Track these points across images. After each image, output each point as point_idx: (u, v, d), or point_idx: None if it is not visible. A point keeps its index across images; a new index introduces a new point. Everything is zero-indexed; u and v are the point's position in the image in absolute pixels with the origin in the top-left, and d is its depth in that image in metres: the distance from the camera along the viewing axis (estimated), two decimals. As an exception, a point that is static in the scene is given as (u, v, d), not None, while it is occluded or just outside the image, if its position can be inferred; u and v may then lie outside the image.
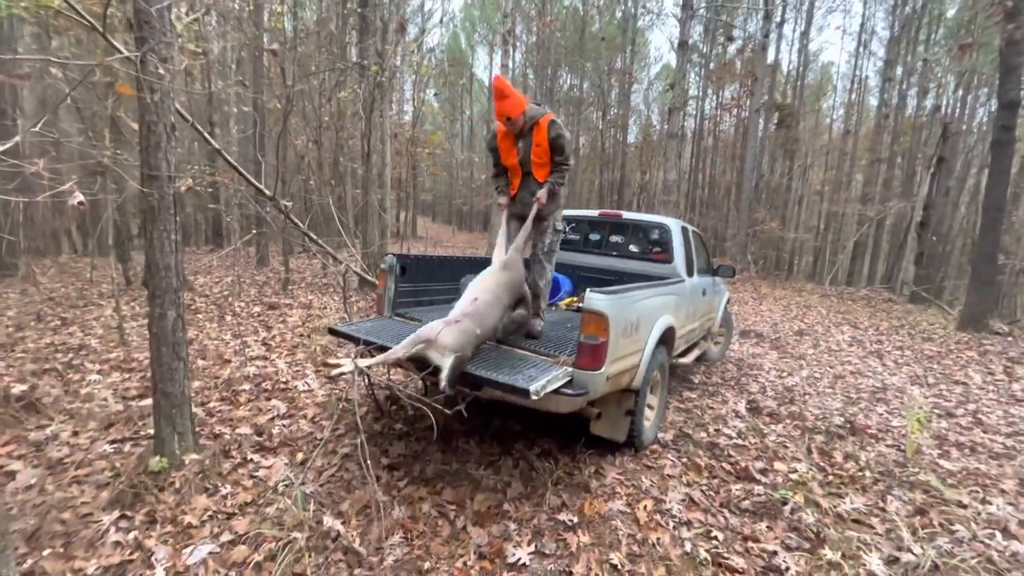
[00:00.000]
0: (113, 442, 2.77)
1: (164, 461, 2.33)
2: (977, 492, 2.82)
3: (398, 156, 13.51)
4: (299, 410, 3.30)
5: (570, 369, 2.33)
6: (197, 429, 2.88)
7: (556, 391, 2.21)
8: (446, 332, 2.27)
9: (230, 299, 7.18)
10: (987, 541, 2.32)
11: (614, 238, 4.41)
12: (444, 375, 2.11)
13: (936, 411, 4.41)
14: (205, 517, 2.14)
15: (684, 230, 4.24)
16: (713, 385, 4.74)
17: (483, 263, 4.05)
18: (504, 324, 2.67)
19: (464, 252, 13.14)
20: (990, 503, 2.69)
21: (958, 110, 19.64)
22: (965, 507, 2.64)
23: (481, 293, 2.58)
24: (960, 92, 19.52)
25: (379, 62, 6.77)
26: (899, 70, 20.21)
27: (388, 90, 7.55)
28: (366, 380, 3.08)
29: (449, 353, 2.18)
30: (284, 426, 3.06)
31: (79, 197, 1.58)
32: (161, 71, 2.08)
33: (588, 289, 2.30)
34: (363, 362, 2.25)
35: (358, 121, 8.07)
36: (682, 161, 23.62)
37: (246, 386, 3.64)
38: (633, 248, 4.28)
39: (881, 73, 21.19)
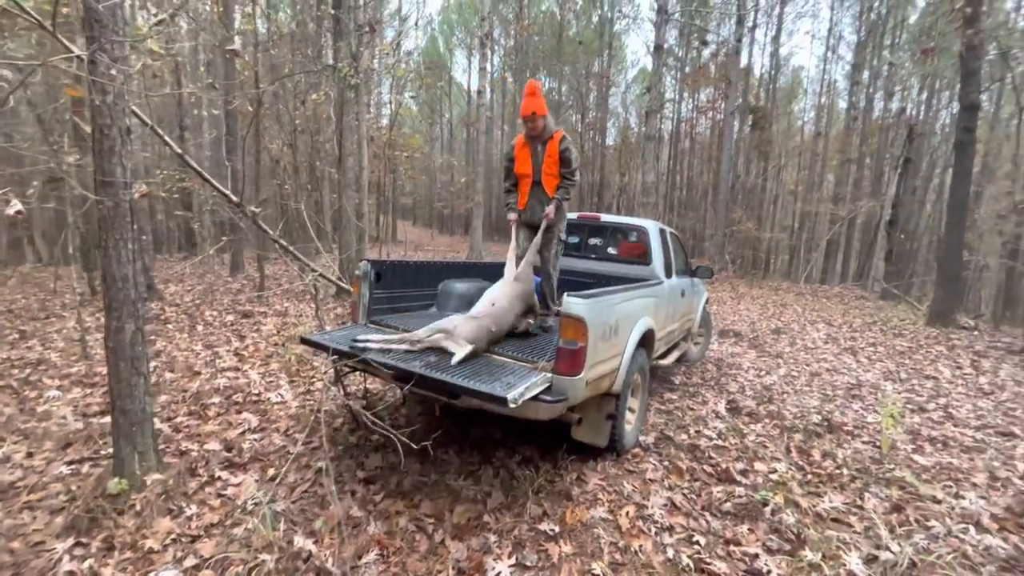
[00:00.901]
0: (71, 463, 2.62)
1: (124, 482, 2.21)
2: (950, 487, 2.87)
3: (376, 160, 13.36)
4: (271, 423, 3.19)
5: (549, 375, 2.29)
6: (162, 446, 2.75)
7: (535, 398, 2.17)
8: (464, 324, 2.60)
9: (202, 308, 6.96)
10: (961, 536, 2.36)
11: (593, 241, 4.40)
12: (457, 358, 2.37)
13: (909, 406, 4.51)
14: (168, 541, 2.03)
15: (662, 232, 4.25)
16: (693, 386, 4.76)
17: (462, 268, 4.00)
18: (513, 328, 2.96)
19: (443, 257, 13.03)
20: (963, 497, 2.73)
21: (923, 112, 20.34)
22: (940, 502, 2.68)
23: (498, 299, 2.92)
24: (924, 95, 20.22)
25: (353, 64, 6.66)
26: (866, 74, 20.85)
27: (363, 92, 7.44)
28: (341, 391, 2.98)
29: (465, 343, 2.47)
30: (255, 440, 2.95)
31: (17, 206, 1.48)
32: (113, 72, 1.97)
33: (566, 294, 2.26)
34: (376, 337, 2.57)
35: (334, 124, 7.93)
36: (660, 163, 23.97)
37: (216, 399, 3.50)
38: (612, 251, 4.27)
39: (849, 77, 21.84)
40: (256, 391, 3.71)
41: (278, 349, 4.89)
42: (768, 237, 20.79)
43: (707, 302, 5.77)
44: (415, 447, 2.35)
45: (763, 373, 5.45)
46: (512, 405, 1.97)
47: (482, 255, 16.64)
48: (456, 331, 2.54)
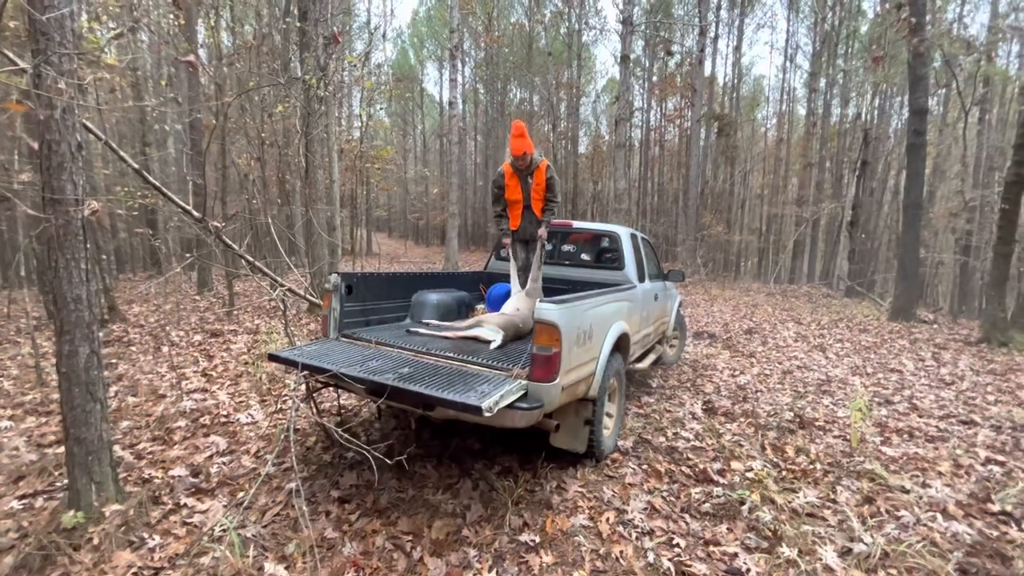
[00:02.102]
0: (23, 497, 2.47)
1: (80, 515, 2.09)
2: (918, 476, 2.96)
3: (348, 172, 13.21)
4: (241, 445, 3.07)
5: (524, 382, 2.27)
6: (124, 475, 2.63)
7: (511, 406, 2.15)
8: (494, 316, 3.25)
9: (167, 328, 6.71)
10: (930, 524, 2.43)
11: (565, 247, 4.43)
12: (495, 343, 2.91)
13: (876, 399, 4.65)
14: (128, 575, 1.92)
15: (633, 237, 4.31)
16: (670, 388, 4.82)
17: (435, 279, 3.97)
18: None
19: (417, 268, 12.91)
20: (930, 486, 2.82)
21: (876, 117, 21.30)
22: (908, 492, 2.75)
23: (522, 307, 3.50)
24: (877, 101, 21.20)
25: (320, 76, 6.59)
26: (823, 82, 21.75)
27: (331, 104, 7.36)
28: (313, 408, 2.90)
29: (497, 328, 3.04)
30: (223, 464, 2.84)
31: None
32: (61, 85, 1.89)
33: (538, 300, 2.26)
34: (424, 330, 3.19)
35: (303, 137, 7.82)
36: (631, 170, 24.41)
37: (182, 423, 3.36)
38: (585, 257, 4.30)
39: (807, 84, 22.76)
40: (225, 412, 3.58)
41: (248, 368, 4.74)
42: (737, 240, 21.34)
43: (680, 305, 5.87)
44: (390, 463, 2.30)
45: (737, 373, 5.55)
46: (487, 414, 1.94)
47: (458, 265, 16.58)
48: (490, 319, 3.14)
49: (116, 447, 2.95)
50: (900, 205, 24.18)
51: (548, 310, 2.23)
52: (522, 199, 3.77)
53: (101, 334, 6.43)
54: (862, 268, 17.57)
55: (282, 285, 3.38)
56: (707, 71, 20.23)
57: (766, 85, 29.09)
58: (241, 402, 3.84)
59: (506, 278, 4.30)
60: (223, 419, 3.47)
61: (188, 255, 5.60)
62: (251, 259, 3.45)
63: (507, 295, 4.23)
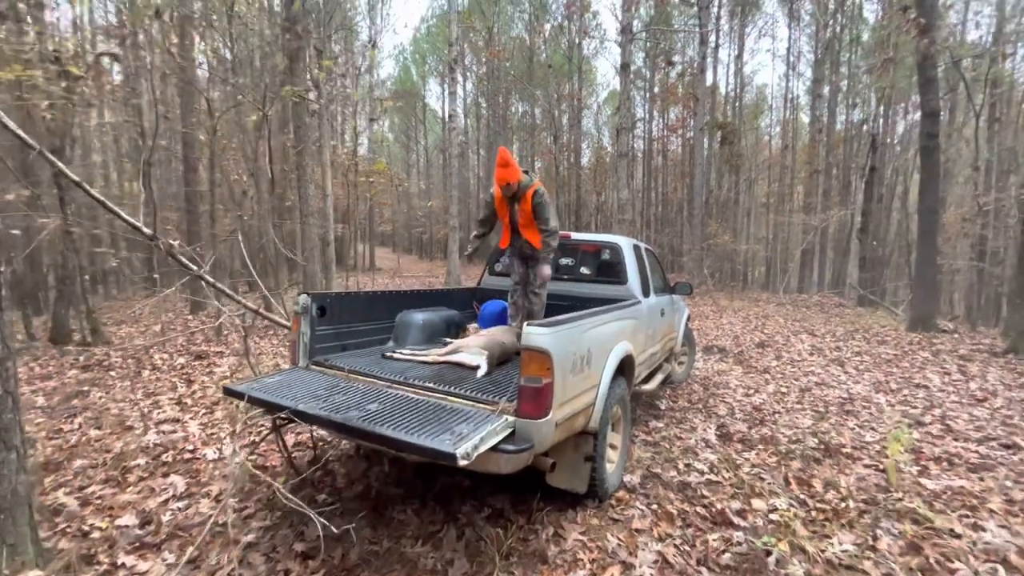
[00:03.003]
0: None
1: (-11, 585, 1.78)
2: (967, 516, 2.59)
3: (344, 186, 13.04)
4: (202, 487, 2.76)
5: (511, 419, 1.96)
6: (64, 525, 2.32)
7: (496, 447, 1.83)
8: (474, 338, 2.97)
9: (152, 350, 6.45)
10: (991, 579, 2.07)
11: (564, 261, 4.13)
12: (482, 370, 2.63)
13: (906, 420, 4.28)
14: (36, 662, 1.61)
15: (636, 248, 4.01)
16: (680, 410, 4.46)
17: (422, 297, 3.67)
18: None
19: (406, 285, 12.64)
20: (983, 528, 2.45)
21: (882, 123, 20.99)
22: (959, 537, 2.39)
23: (497, 331, 3.19)
24: (882, 107, 20.89)
25: (311, 89, 6.41)
26: (826, 88, 21.53)
27: (323, 116, 7.18)
28: (280, 443, 2.60)
29: (480, 351, 2.75)
30: (179, 510, 2.52)
31: None
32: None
33: (525, 323, 1.95)
34: (405, 352, 2.93)
35: (296, 154, 7.63)
36: (634, 181, 24.21)
37: (141, 460, 3.06)
38: (585, 271, 4.00)
39: (810, 91, 22.54)
40: (191, 447, 3.27)
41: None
42: (744, 249, 20.97)
43: (688, 319, 5.53)
44: (336, 533, 1.97)
45: (752, 392, 5.19)
46: (463, 462, 1.63)
47: (460, 279, 16.32)
48: (468, 344, 2.83)
49: (60, 492, 2.65)
50: (908, 211, 23.74)
51: (537, 334, 1.92)
52: (510, 223, 3.60)
53: (81, 358, 6.21)
54: (873, 276, 17.13)
55: (250, 308, 3.10)
56: (708, 81, 20.08)
57: (768, 94, 28.94)
58: (212, 434, 3.53)
59: (501, 295, 4.00)
60: (188, 455, 3.16)
61: (154, 274, 5.33)
62: (211, 280, 3.18)
63: (502, 313, 3.93)
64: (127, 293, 14.65)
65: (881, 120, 20.97)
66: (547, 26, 26.05)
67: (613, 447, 2.86)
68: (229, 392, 2.22)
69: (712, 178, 21.20)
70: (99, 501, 2.61)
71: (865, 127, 19.32)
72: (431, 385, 2.26)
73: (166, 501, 2.62)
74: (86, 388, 4.70)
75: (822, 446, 3.51)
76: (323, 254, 7.51)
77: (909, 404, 4.82)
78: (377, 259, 26.67)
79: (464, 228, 26.19)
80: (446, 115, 21.72)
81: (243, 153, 9.78)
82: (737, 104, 24.22)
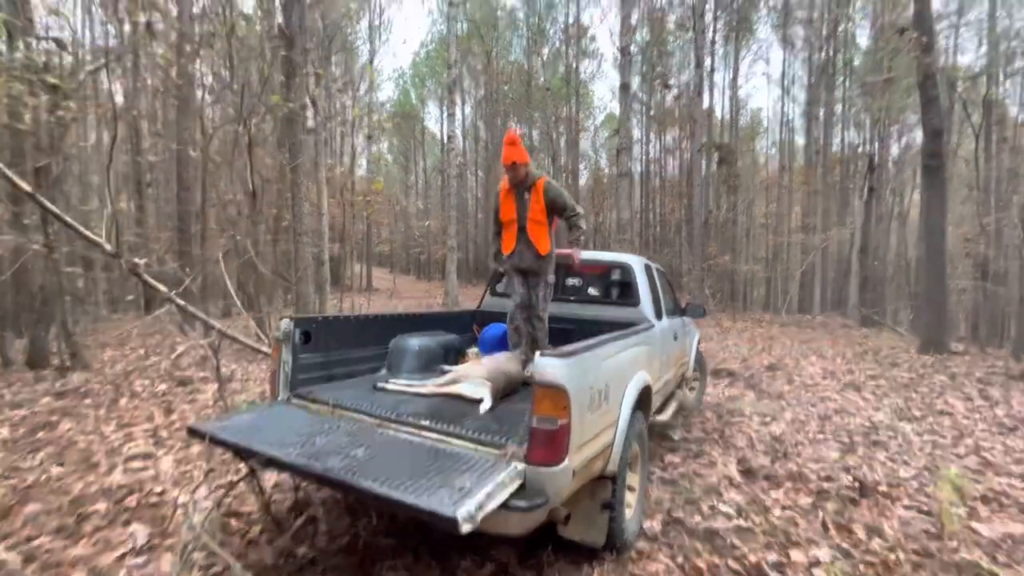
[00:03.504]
0: None
1: None
2: (1036, 570, 2.28)
3: (339, 205, 12.87)
4: (165, 538, 2.43)
5: (521, 466, 1.67)
6: (-1, 588, 1.99)
7: (504, 504, 1.54)
8: (476, 367, 2.63)
9: (133, 375, 6.11)
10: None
11: (570, 281, 3.88)
12: (485, 405, 2.32)
13: (937, 452, 3.98)
14: None
15: (647, 268, 3.77)
16: (696, 441, 4.16)
17: (419, 320, 3.40)
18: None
19: (396, 308, 12.34)
20: (1059, 586, 2.15)
21: (877, 144, 21.13)
22: (1034, 597, 2.08)
23: (500, 359, 2.87)
24: (878, 129, 21.05)
25: (307, 106, 6.25)
26: (821, 111, 21.73)
27: (319, 134, 7.01)
28: (256, 487, 2.29)
29: (483, 381, 2.43)
30: (136, 567, 2.20)
31: None
32: None
33: (538, 353, 1.68)
34: (400, 382, 2.63)
35: (292, 173, 7.44)
36: (633, 202, 24.19)
37: (102, 505, 2.73)
38: (593, 292, 3.75)
39: (805, 114, 22.77)
40: (161, 488, 2.95)
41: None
42: (745, 269, 20.82)
43: (699, 342, 5.27)
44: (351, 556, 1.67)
45: (768, 419, 4.89)
46: (466, 527, 1.34)
47: (458, 300, 16.06)
48: (469, 373, 2.53)
49: (3, 546, 2.32)
50: (906, 231, 23.69)
51: (551, 367, 1.64)
52: (516, 219, 3.22)
53: (57, 384, 5.87)
54: (875, 296, 16.95)
55: (228, 334, 2.82)
56: (704, 104, 20.24)
57: (764, 116, 29.29)
58: (186, 473, 3.20)
59: (503, 317, 3.73)
60: (155, 498, 2.84)
61: (129, 297, 5.06)
62: (181, 302, 2.92)
63: (504, 337, 3.65)
64: (119, 313, 14.30)
65: (877, 142, 21.15)
66: (545, 50, 26.44)
67: (631, 489, 2.55)
68: (193, 432, 1.93)
69: (711, 198, 21.18)
70: (47, 556, 2.28)
71: (861, 148, 19.40)
72: (427, 423, 1.97)
73: (123, 556, 2.29)
74: (55, 418, 4.37)
75: (856, 484, 3.20)
76: (317, 274, 7.24)
77: (937, 433, 4.53)
78: (374, 279, 26.41)
79: (462, 249, 26.09)
80: (445, 137, 21.83)
81: (237, 172, 9.61)
82: (732, 127, 24.41)
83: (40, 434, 3.98)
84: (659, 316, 3.58)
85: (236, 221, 9.73)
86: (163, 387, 5.56)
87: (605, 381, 2.02)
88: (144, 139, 12.43)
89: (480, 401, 2.34)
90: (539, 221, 3.20)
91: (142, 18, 6.58)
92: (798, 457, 3.78)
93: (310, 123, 6.57)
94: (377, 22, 23.40)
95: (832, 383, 6.73)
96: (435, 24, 30.30)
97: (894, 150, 22.19)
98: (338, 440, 1.82)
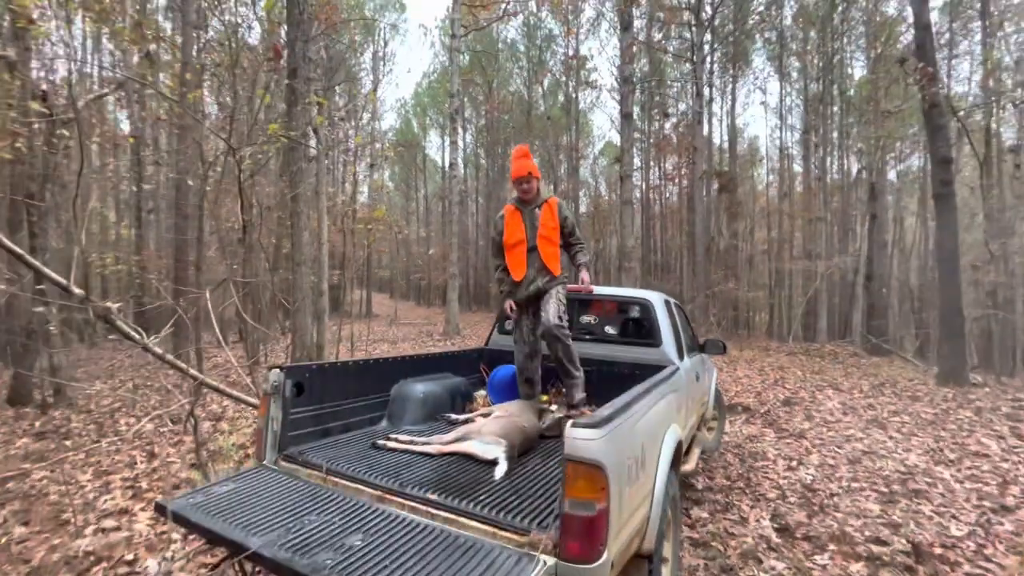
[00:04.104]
0: None
1: None
2: None
3: (345, 233, 12.75)
4: (131, 623, 2.12)
5: (551, 561, 1.39)
6: None
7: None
8: (489, 422, 2.35)
9: (119, 413, 5.80)
10: None
11: (585, 319, 3.63)
12: (500, 470, 2.02)
13: (985, 503, 3.66)
14: None
15: (667, 304, 3.52)
16: (720, 490, 3.84)
17: (423, 363, 3.14)
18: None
19: (398, 347, 12.03)
20: None
21: (874, 172, 21.22)
22: None
23: (512, 407, 2.63)
24: (877, 156, 21.19)
25: (309, 134, 6.13)
26: (816, 140, 21.90)
27: (321, 162, 6.88)
28: (238, 570, 1.98)
29: (498, 439, 2.17)
30: (92, 664, 1.88)
31: None
32: None
33: (569, 423, 1.42)
34: (403, 438, 2.32)
35: (293, 202, 7.31)
36: (634, 229, 24.15)
37: (63, 577, 2.42)
38: (610, 330, 3.50)
39: (802, 143, 22.98)
40: (132, 555, 2.63)
41: (192, 474, 3.80)
42: (750, 296, 20.61)
43: (717, 379, 4.99)
44: None
45: (794, 463, 4.57)
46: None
47: (459, 327, 15.77)
48: (481, 429, 2.27)
49: (-61, 635, 2.00)
50: (907, 256, 23.56)
51: (585, 439, 1.38)
52: (526, 238, 2.93)
53: (38, 424, 5.55)
54: (883, 324, 16.66)
55: (210, 384, 2.56)
56: (704, 131, 20.42)
57: (761, 145, 29.57)
58: (163, 534, 2.88)
59: (512, 356, 3.47)
60: (125, 567, 2.52)
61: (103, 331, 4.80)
62: (157, 351, 2.67)
63: (514, 379, 3.39)
64: (114, 343, 13.98)
65: (874, 170, 21.25)
66: (545, 81, 26.88)
67: (664, 560, 2.25)
68: (161, 510, 1.64)
69: (712, 225, 21.15)
70: (-11, 648, 1.97)
71: (864, 175, 19.45)
72: (435, 498, 1.69)
73: (79, 648, 1.97)
74: (28, 464, 4.04)
75: (911, 548, 2.88)
76: (315, 304, 7.00)
77: (979, 480, 4.21)
78: (375, 305, 26.17)
79: (463, 275, 25.92)
80: (446, 164, 21.95)
81: (235, 201, 9.48)
82: (731, 155, 24.59)
83: (9, 485, 3.66)
84: (681, 356, 3.32)
85: (236, 251, 9.56)
86: (150, 426, 5.24)
87: (641, 445, 1.75)
88: (146, 167, 12.38)
89: (494, 463, 2.06)
90: (551, 240, 2.93)
91: (148, 47, 6.54)
92: (836, 511, 3.45)
93: (312, 151, 6.43)
94: (381, 53, 23.86)
95: (853, 419, 6.41)
96: (437, 56, 30.91)
97: (892, 175, 22.30)
98: (331, 522, 1.54)
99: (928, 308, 20.71)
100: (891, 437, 5.60)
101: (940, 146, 8.70)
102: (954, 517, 3.38)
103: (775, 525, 3.19)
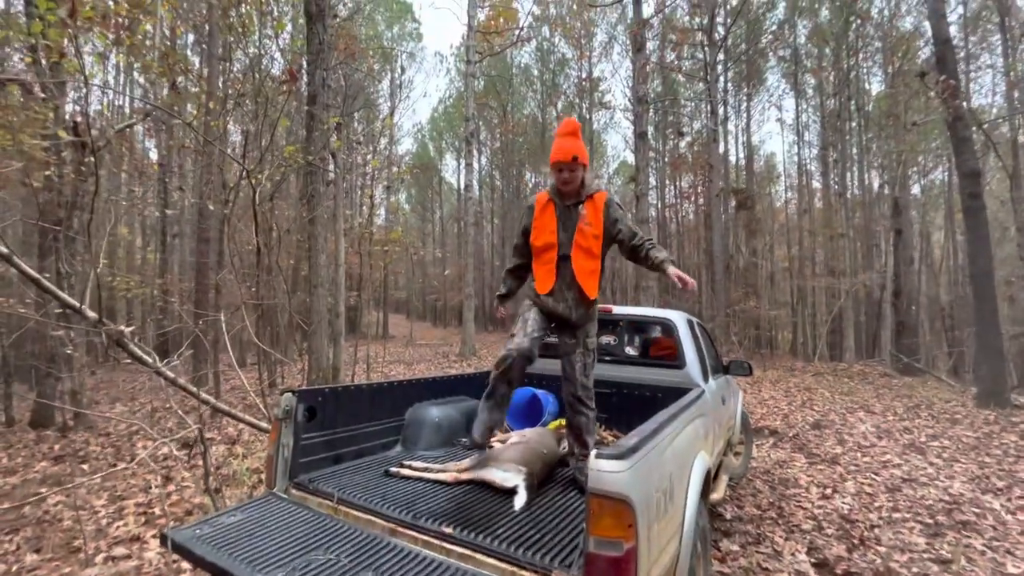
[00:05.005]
0: None
1: None
2: None
3: (362, 255, 12.91)
4: (135, 660, 2.04)
5: (575, 606, 1.27)
6: None
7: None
8: (508, 448, 2.24)
9: (137, 436, 5.82)
10: None
11: (604, 339, 3.53)
12: (520, 498, 1.89)
13: (1044, 538, 3.38)
14: None
15: (691, 324, 3.40)
16: (750, 520, 3.63)
17: (439, 385, 3.06)
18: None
19: (413, 370, 11.97)
20: None
21: (898, 186, 20.80)
22: None
23: (528, 433, 2.52)
24: (900, 171, 20.79)
25: (327, 159, 6.23)
26: (835, 156, 21.61)
27: (339, 185, 6.98)
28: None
29: (517, 467, 2.05)
30: None
31: None
32: None
33: (594, 453, 1.33)
34: (417, 464, 2.24)
35: (311, 225, 7.43)
36: (650, 247, 23.91)
37: (70, 609, 2.36)
38: (631, 351, 3.38)
39: (820, 159, 22.71)
40: (141, 585, 2.56)
41: (204, 499, 3.75)
42: (772, 315, 20.13)
43: (743, 401, 4.79)
44: None
45: (829, 491, 4.32)
46: None
47: (475, 348, 15.68)
48: (501, 456, 2.14)
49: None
50: (933, 272, 22.86)
51: (611, 473, 1.28)
52: (558, 243, 2.27)
53: (57, 447, 5.59)
54: (913, 343, 16.06)
55: (221, 408, 2.52)
56: (720, 150, 20.34)
57: (778, 162, 29.38)
58: (175, 563, 2.82)
59: (533, 380, 3.37)
60: (133, 599, 2.45)
61: (106, 357, 4.84)
62: (170, 375, 2.65)
63: (533, 401, 3.29)
64: (135, 366, 14.22)
65: (896, 184, 20.82)
66: (559, 103, 27.24)
67: (694, 600, 2.09)
68: (164, 541, 1.57)
69: (730, 243, 20.86)
70: None
71: (886, 190, 19.08)
72: (450, 532, 1.59)
73: None
74: (45, 489, 4.04)
75: (965, 588, 2.65)
76: (332, 325, 7.01)
77: (1034, 512, 3.91)
78: (391, 326, 26.30)
79: (479, 296, 25.93)
80: (462, 186, 22.22)
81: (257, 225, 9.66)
82: (748, 172, 24.41)
83: (26, 509, 3.65)
84: (706, 378, 3.18)
85: (255, 275, 9.70)
86: (166, 450, 5.23)
87: (669, 476, 1.64)
88: (171, 193, 12.78)
89: (513, 491, 1.95)
90: (591, 252, 2.26)
91: (175, 79, 6.79)
92: (878, 544, 3.22)
93: (330, 175, 6.53)
94: (398, 81, 24.51)
95: (889, 444, 6.09)
96: (452, 82, 31.62)
97: (915, 190, 21.82)
98: (339, 559, 1.45)
99: (960, 325, 19.97)
100: (931, 463, 5.29)
101: (967, 158, 8.46)
102: (1009, 552, 3.13)
103: (812, 560, 2.98)
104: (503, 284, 2.61)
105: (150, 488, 4.11)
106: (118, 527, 3.33)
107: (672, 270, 2.23)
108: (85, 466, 4.79)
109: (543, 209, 2.33)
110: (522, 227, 2.44)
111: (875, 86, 21.93)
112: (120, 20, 4.91)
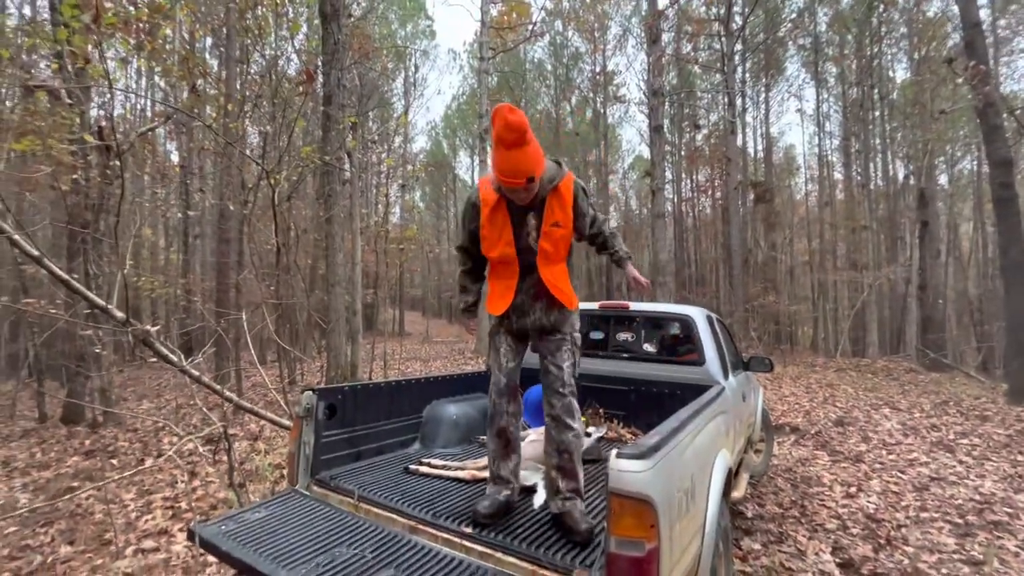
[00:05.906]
0: None
1: None
2: None
3: (379, 253, 13.03)
4: (165, 650, 2.10)
5: (596, 607, 1.27)
6: None
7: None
8: (527, 444, 2.18)
9: (163, 432, 5.98)
10: None
11: (621, 336, 3.49)
12: (539, 496, 1.88)
13: (1081, 539, 3.26)
14: None
15: (710, 320, 3.35)
16: (772, 518, 3.57)
17: (456, 382, 3.07)
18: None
19: (430, 367, 12.02)
20: None
21: (924, 177, 20.18)
22: None
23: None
24: (925, 161, 20.17)
25: (342, 158, 6.28)
26: (857, 146, 21.06)
27: (355, 184, 7.04)
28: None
29: (536, 465, 2.07)
30: None
31: None
32: None
33: (614, 451, 1.31)
34: (436, 463, 2.25)
35: (328, 224, 7.52)
36: (667, 242, 23.70)
37: (102, 600, 2.43)
38: (648, 348, 3.35)
39: (842, 150, 22.15)
40: (170, 577, 2.63)
41: (229, 493, 3.83)
42: (792, 310, 19.76)
43: (763, 398, 4.71)
44: None
45: (853, 489, 4.23)
46: None
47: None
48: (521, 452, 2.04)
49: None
50: (961, 265, 22.19)
51: (632, 471, 1.26)
52: (517, 251, 1.84)
53: (88, 442, 5.77)
54: (940, 337, 15.61)
55: (244, 406, 2.57)
56: (738, 142, 20.00)
57: (797, 154, 28.76)
58: (202, 557, 2.89)
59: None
60: (162, 591, 2.52)
61: (131, 357, 4.98)
62: (195, 373, 2.70)
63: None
64: (161, 364, 14.59)
65: (923, 175, 20.20)
66: (573, 98, 27.04)
67: (716, 600, 2.07)
68: (191, 536, 1.61)
69: (749, 236, 20.52)
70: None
71: (911, 180, 18.55)
72: (470, 531, 1.59)
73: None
74: (77, 483, 4.18)
75: (998, 590, 2.58)
76: (349, 324, 7.08)
77: (1071, 513, 3.78)
78: (407, 323, 26.52)
79: (493, 292, 25.95)
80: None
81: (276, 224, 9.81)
82: (767, 165, 23.95)
83: (59, 503, 3.78)
84: (726, 375, 3.13)
85: (275, 274, 9.86)
86: (191, 445, 5.36)
87: (691, 475, 1.62)
88: (193, 195, 13.06)
89: (532, 489, 1.95)
90: (558, 252, 1.86)
91: (195, 82, 6.92)
92: (905, 545, 3.15)
93: (346, 175, 6.59)
94: (412, 79, 24.58)
95: (916, 441, 5.94)
96: (466, 79, 31.60)
97: (943, 180, 21.18)
98: (362, 555, 1.47)
99: (990, 320, 19.34)
100: (961, 461, 5.15)
101: (998, 147, 8.17)
102: (1045, 555, 3.02)
103: (837, 560, 2.92)
104: (462, 296, 2.19)
105: (176, 483, 4.22)
106: (146, 521, 3.42)
107: (630, 269, 2.11)
108: (114, 461, 4.93)
109: (493, 211, 1.83)
110: (468, 231, 1.99)
111: (900, 73, 21.34)
112: (141, 25, 5.01)
